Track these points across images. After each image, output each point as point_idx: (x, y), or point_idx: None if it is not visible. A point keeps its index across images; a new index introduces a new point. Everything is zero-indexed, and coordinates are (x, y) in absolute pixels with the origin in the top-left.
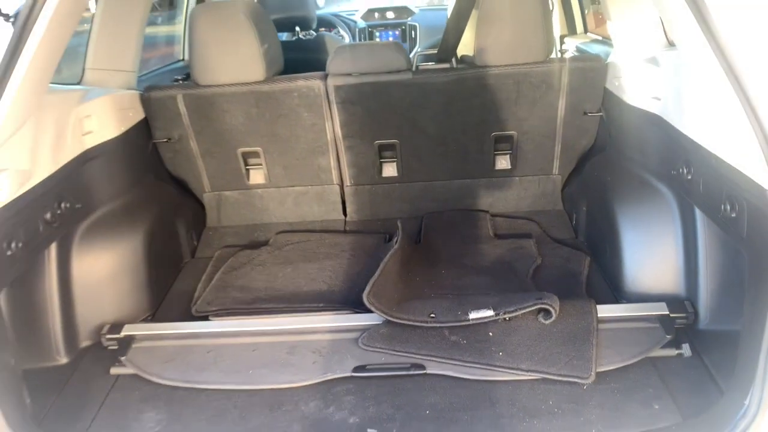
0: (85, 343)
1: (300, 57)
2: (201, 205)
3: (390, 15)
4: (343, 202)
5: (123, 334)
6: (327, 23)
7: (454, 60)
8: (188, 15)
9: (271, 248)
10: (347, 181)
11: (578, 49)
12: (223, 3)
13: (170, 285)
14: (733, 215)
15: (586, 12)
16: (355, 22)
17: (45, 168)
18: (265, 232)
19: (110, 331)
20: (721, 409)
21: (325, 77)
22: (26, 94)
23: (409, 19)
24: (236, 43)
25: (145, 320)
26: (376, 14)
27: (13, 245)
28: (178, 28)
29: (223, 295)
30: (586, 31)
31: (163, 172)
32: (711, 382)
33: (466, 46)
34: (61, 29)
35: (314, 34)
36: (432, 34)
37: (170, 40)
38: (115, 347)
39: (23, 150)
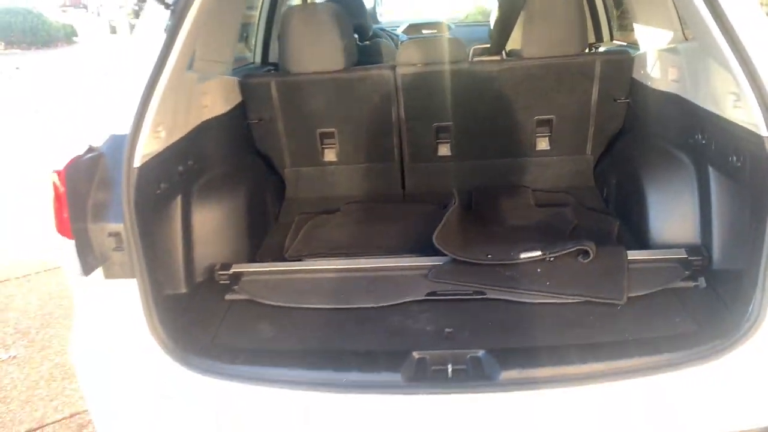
0: (200, 278)
1: (359, 60)
2: (281, 179)
3: (429, 30)
4: (403, 178)
5: (232, 271)
6: (374, 35)
7: (503, 53)
8: (262, 16)
9: (343, 213)
10: (407, 159)
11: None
12: (311, 5)
13: (262, 240)
14: (739, 164)
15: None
16: (398, 35)
17: (180, 130)
18: (336, 203)
19: (221, 269)
20: (730, 317)
21: (394, 68)
22: (177, 69)
23: (447, 33)
24: (322, 37)
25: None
26: (417, 29)
27: (161, 186)
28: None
29: (310, 245)
30: (612, 39)
31: (254, 149)
32: (722, 304)
33: (514, 41)
34: (199, 20)
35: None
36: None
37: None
38: (227, 282)
39: (169, 112)
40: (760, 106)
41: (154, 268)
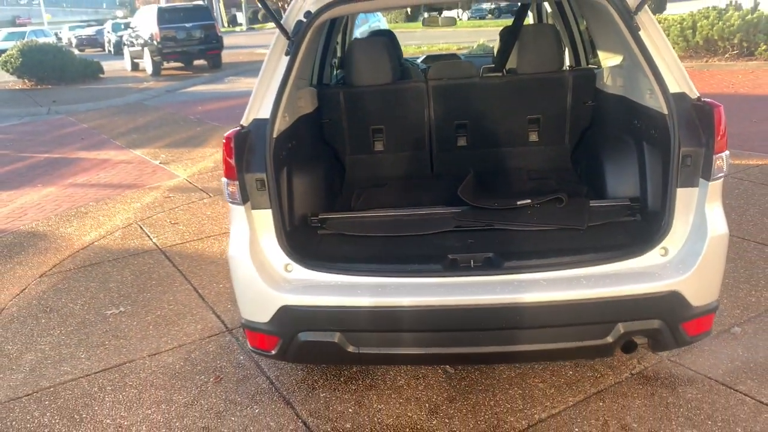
0: (296, 223)
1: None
2: (343, 164)
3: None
4: (432, 162)
5: (320, 217)
6: (402, 63)
7: (504, 70)
8: (319, 50)
9: (390, 186)
10: (435, 148)
11: None
12: (369, 39)
13: (332, 204)
14: (656, 135)
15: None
16: (419, 64)
17: (290, 119)
18: (383, 181)
19: (312, 215)
20: (650, 234)
21: (426, 81)
22: (292, 79)
23: None
24: (377, 60)
25: None
26: (433, 60)
27: (283, 153)
28: None
29: (370, 202)
30: (588, 63)
31: (324, 141)
32: (648, 228)
33: (511, 62)
34: (305, 47)
35: None
36: None
37: None
38: (317, 224)
39: (285, 108)
40: (662, 95)
41: (281, 212)
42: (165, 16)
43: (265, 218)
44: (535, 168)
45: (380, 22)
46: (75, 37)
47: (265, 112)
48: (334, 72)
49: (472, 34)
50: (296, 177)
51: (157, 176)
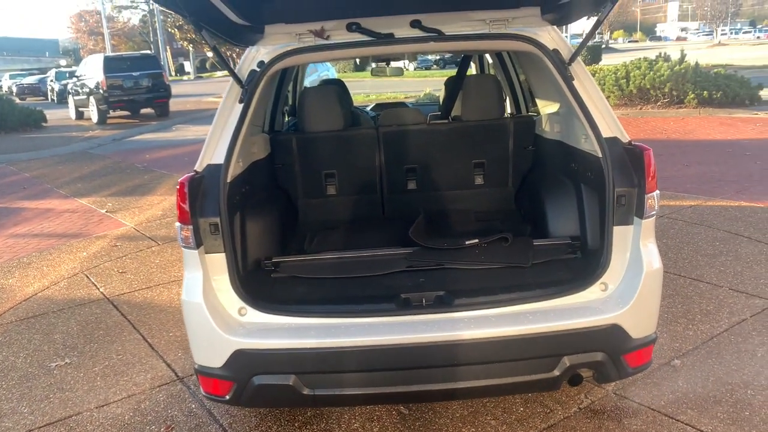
0: (250, 267)
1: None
2: (296, 207)
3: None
4: (383, 205)
5: (273, 260)
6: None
7: (450, 117)
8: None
9: (342, 228)
10: (386, 192)
11: None
12: (321, 87)
13: (285, 248)
14: (592, 177)
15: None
16: (368, 112)
17: (243, 165)
18: (335, 224)
19: (266, 259)
20: (590, 270)
21: (377, 127)
22: (246, 126)
23: None
24: (328, 107)
25: None
26: (382, 108)
27: (236, 198)
28: None
29: (322, 245)
30: (527, 110)
31: (277, 185)
32: (588, 265)
33: (456, 110)
34: (258, 96)
35: None
36: None
37: None
38: (271, 268)
39: (239, 153)
40: (596, 139)
41: (233, 250)
42: (112, 64)
43: (218, 262)
44: (482, 209)
45: (329, 71)
46: (16, 85)
47: (219, 158)
48: (286, 119)
49: (419, 84)
50: (250, 221)
51: (104, 225)
